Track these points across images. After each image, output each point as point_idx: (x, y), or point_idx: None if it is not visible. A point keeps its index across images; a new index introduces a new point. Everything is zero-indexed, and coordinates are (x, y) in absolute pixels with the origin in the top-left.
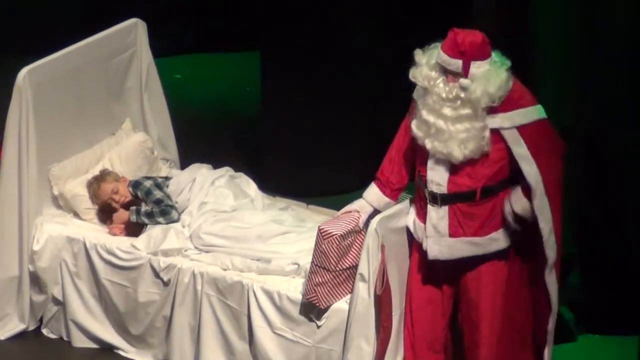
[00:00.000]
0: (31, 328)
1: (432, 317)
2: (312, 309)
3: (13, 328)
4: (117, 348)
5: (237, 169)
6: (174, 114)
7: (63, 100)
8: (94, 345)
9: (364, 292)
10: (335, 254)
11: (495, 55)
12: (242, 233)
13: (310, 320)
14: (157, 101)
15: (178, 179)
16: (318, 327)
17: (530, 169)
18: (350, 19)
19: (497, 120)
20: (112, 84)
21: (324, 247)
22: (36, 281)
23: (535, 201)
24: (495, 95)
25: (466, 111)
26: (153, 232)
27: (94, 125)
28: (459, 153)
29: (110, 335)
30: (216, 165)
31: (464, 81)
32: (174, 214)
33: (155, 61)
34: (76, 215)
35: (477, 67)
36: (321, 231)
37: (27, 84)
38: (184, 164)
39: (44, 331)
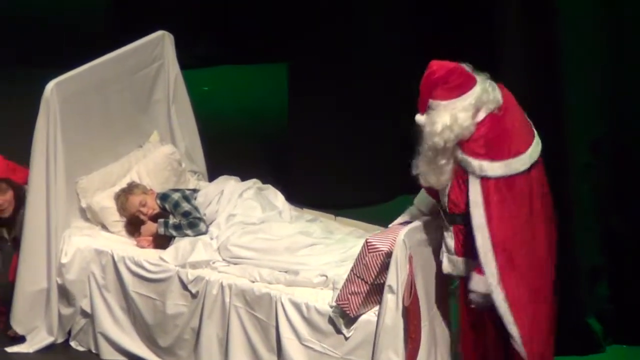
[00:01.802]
0: (60, 341)
1: (474, 341)
2: (340, 321)
3: (42, 341)
4: None
5: (264, 181)
6: (201, 126)
7: (90, 113)
8: (122, 358)
9: (392, 303)
10: (377, 268)
11: (467, 96)
12: (270, 245)
13: (339, 331)
14: (184, 113)
15: (206, 191)
16: (346, 338)
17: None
18: (378, 31)
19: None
20: (139, 97)
21: (367, 260)
22: (64, 294)
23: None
24: (444, 135)
25: (425, 146)
26: (181, 244)
27: (122, 138)
28: (435, 181)
29: (138, 347)
30: (244, 177)
31: (417, 117)
32: (202, 226)
33: (183, 73)
34: (104, 227)
35: (435, 106)
36: (368, 244)
37: (55, 96)
38: (211, 176)
39: (73, 344)
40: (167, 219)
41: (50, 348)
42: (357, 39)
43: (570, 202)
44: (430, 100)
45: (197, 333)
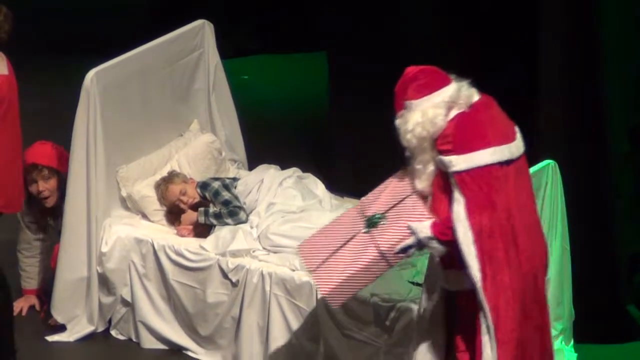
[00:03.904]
0: (100, 329)
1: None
2: (381, 309)
3: (82, 329)
4: (186, 349)
5: (304, 170)
6: (241, 114)
7: (130, 102)
8: (162, 347)
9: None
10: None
11: (439, 93)
12: (310, 233)
13: (380, 320)
14: (224, 102)
15: (246, 179)
16: (387, 327)
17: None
18: (419, 19)
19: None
20: (179, 86)
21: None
22: (105, 283)
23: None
24: (415, 132)
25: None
26: (221, 233)
27: (162, 127)
28: (420, 187)
29: (179, 336)
30: (284, 166)
31: (396, 120)
32: (242, 215)
33: (223, 62)
34: (144, 216)
35: (408, 106)
36: None
37: (95, 85)
38: (251, 164)
39: (113, 332)
40: (207, 207)
41: (90, 337)
42: (398, 26)
43: (610, 191)
44: (404, 102)
45: (238, 322)
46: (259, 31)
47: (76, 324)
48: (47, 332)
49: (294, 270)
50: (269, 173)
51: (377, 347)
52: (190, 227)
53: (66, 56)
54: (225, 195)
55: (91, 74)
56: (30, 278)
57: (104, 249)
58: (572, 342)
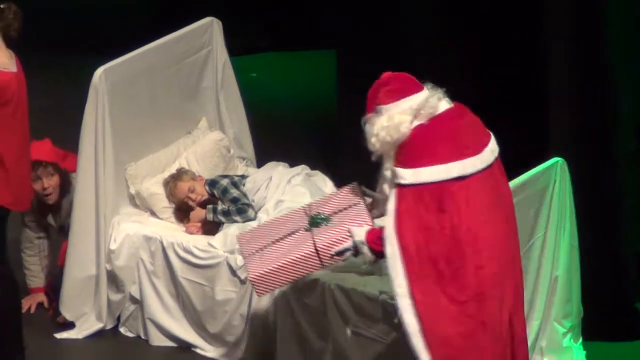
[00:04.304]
0: (109, 327)
1: None
2: (389, 306)
3: (91, 327)
4: (195, 346)
5: (313, 167)
6: (250, 112)
7: (139, 100)
8: (171, 344)
9: None
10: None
11: (408, 100)
12: None
13: (388, 317)
14: (233, 100)
15: (254, 177)
16: (396, 324)
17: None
18: (425, 19)
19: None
20: (187, 83)
21: None
22: (113, 280)
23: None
24: (380, 136)
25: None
26: (230, 230)
27: (170, 124)
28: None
29: (187, 333)
30: (292, 163)
31: (364, 123)
32: (251, 213)
33: (231, 60)
34: (153, 214)
35: (377, 110)
36: None
37: (103, 83)
38: (260, 162)
39: (122, 330)
40: (215, 205)
41: (99, 334)
42: (406, 25)
43: (617, 189)
44: (375, 106)
45: (246, 319)
46: (268, 28)
47: (85, 321)
48: (55, 330)
49: None
50: (277, 170)
51: (385, 344)
52: (199, 224)
53: (70, 54)
54: (234, 192)
55: (99, 71)
56: (34, 276)
57: (113, 246)
58: (580, 339)
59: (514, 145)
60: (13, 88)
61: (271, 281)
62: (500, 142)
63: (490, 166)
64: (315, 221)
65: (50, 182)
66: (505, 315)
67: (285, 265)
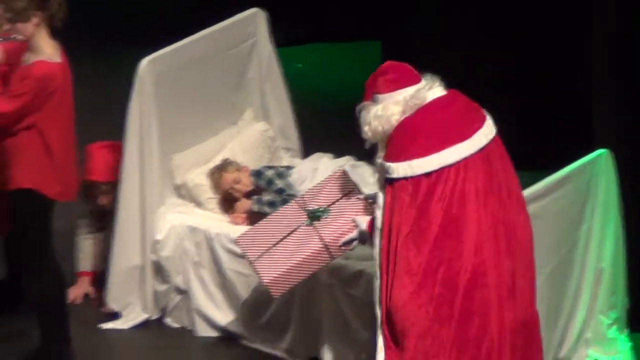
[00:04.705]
0: (154, 317)
1: None
2: None
3: (136, 317)
4: (240, 337)
5: (358, 158)
6: (295, 103)
7: (184, 90)
8: (217, 334)
9: None
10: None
11: (403, 91)
12: None
13: None
14: (278, 90)
15: (300, 168)
16: None
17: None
18: (470, 10)
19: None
20: (232, 74)
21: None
22: (159, 271)
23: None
24: (372, 125)
25: None
26: None
27: (215, 115)
28: None
29: (233, 324)
30: (338, 154)
31: (359, 110)
32: None
33: (276, 51)
34: (198, 204)
35: (374, 99)
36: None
37: (148, 74)
38: (305, 153)
39: (167, 320)
40: (261, 196)
41: (144, 325)
42: (451, 16)
43: None
44: (373, 94)
45: (291, 310)
46: (313, 20)
47: (130, 311)
48: (101, 320)
49: (347, 259)
50: (322, 161)
51: None
52: (244, 215)
53: (112, 45)
54: (279, 183)
55: (145, 62)
56: (86, 260)
57: (158, 237)
58: (626, 331)
59: (559, 137)
60: (59, 78)
61: (286, 282)
62: (544, 134)
63: (482, 150)
64: (314, 215)
65: (106, 200)
66: (484, 307)
67: (298, 265)
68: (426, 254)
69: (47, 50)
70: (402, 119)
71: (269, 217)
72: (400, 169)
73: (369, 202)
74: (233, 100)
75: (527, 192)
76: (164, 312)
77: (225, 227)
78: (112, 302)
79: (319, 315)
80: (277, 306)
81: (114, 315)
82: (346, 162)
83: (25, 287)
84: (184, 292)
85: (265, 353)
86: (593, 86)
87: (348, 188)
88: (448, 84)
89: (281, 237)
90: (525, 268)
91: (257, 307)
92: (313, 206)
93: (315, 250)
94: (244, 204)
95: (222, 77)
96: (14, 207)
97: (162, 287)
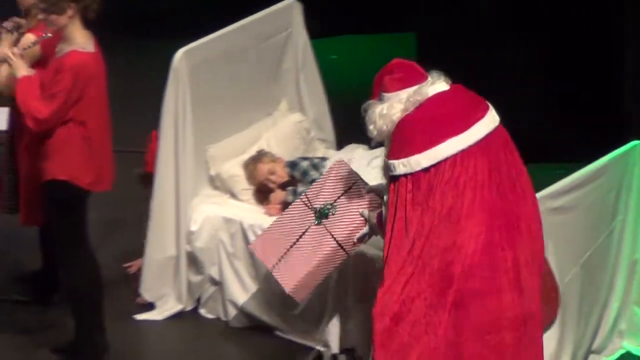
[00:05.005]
0: (189, 308)
1: None
2: None
3: (171, 308)
4: (275, 328)
5: None
6: (330, 94)
7: (219, 81)
8: (251, 325)
9: None
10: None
11: (407, 90)
12: None
13: None
14: (313, 82)
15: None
16: None
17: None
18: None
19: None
20: (268, 65)
21: None
22: (193, 261)
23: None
24: (377, 124)
25: None
26: None
27: (250, 106)
28: None
29: (268, 315)
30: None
31: (365, 107)
32: None
33: (311, 42)
34: (233, 195)
35: (381, 97)
36: None
37: (184, 65)
38: (340, 144)
39: (202, 311)
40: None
41: (179, 315)
42: (486, 8)
43: None
44: (380, 92)
45: (326, 301)
46: (348, 11)
47: (165, 302)
48: (136, 311)
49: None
50: (357, 152)
51: None
52: (279, 206)
53: (145, 36)
54: (314, 174)
55: (180, 53)
56: None
57: (193, 228)
58: None
59: (593, 129)
60: (92, 68)
61: (307, 286)
62: (579, 126)
63: (482, 141)
64: (322, 213)
65: None
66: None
67: (315, 268)
68: (422, 244)
69: (80, 40)
70: (402, 116)
71: (277, 219)
72: (400, 166)
73: (374, 195)
74: (268, 91)
75: (561, 184)
76: (198, 303)
77: (260, 218)
78: (147, 293)
79: (353, 307)
80: (312, 297)
81: (149, 306)
82: (381, 154)
83: (60, 277)
84: (218, 283)
85: (299, 344)
86: (626, 78)
87: (351, 180)
88: (481, 76)
89: (294, 239)
90: (531, 260)
91: (291, 298)
92: (319, 203)
93: (330, 250)
94: (279, 195)
95: (257, 69)
96: (48, 197)
97: (196, 278)
